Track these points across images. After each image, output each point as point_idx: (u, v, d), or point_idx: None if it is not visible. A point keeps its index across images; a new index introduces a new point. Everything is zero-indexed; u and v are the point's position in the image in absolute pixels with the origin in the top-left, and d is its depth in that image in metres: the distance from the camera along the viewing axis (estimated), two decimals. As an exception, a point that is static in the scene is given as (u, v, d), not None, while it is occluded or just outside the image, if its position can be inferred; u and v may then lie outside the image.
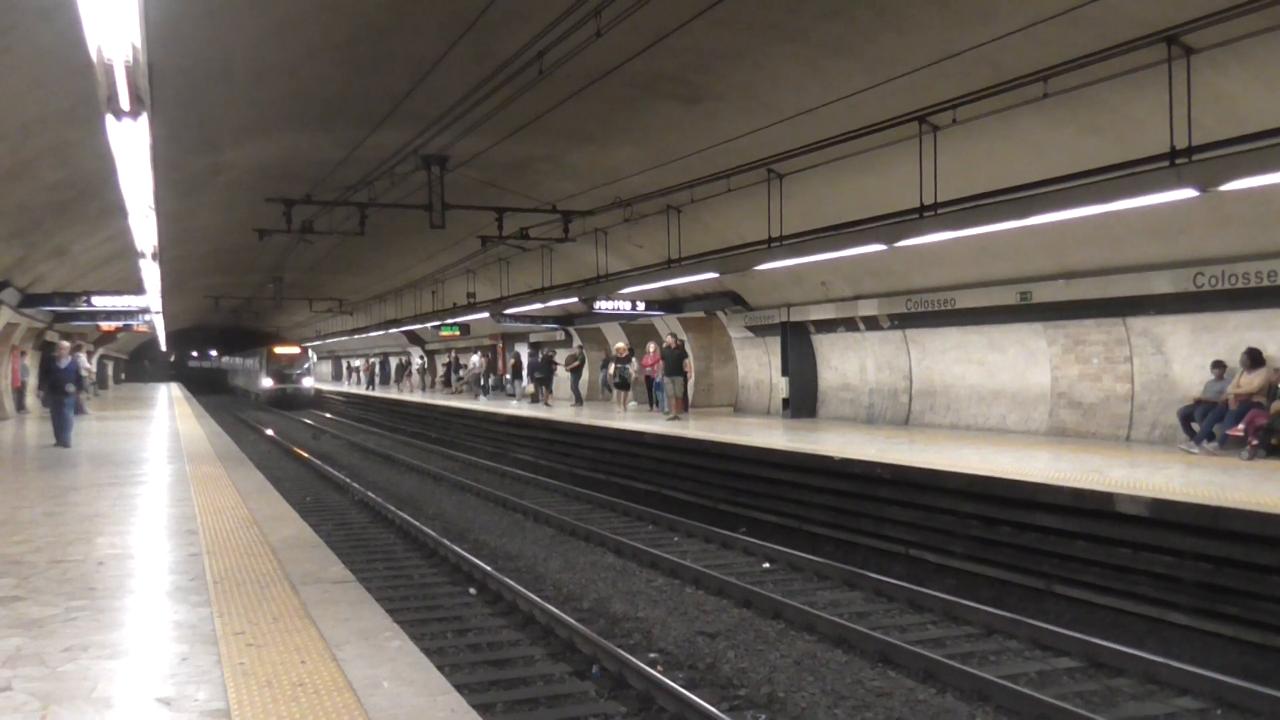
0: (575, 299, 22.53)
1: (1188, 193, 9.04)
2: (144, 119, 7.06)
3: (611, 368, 25.30)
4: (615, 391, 25.06)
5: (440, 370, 47.21)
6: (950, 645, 8.32)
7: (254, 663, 4.75)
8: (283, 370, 50.49)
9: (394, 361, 52.21)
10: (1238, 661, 7.95)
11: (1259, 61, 9.43)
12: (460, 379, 40.41)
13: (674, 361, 21.24)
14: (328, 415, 43.96)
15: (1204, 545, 8.69)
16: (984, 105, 11.03)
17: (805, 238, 14.61)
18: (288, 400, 49.19)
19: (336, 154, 16.96)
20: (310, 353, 54.90)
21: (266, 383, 49.89)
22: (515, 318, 28.81)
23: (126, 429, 21.47)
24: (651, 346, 24.36)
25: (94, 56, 5.73)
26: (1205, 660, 7.83)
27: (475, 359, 38.78)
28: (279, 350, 51.82)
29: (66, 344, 16.92)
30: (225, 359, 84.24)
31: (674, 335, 22.11)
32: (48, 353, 17.24)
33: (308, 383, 51.24)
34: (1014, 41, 9.93)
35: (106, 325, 30.30)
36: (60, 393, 16.33)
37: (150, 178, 10.35)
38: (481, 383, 36.66)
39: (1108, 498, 9.40)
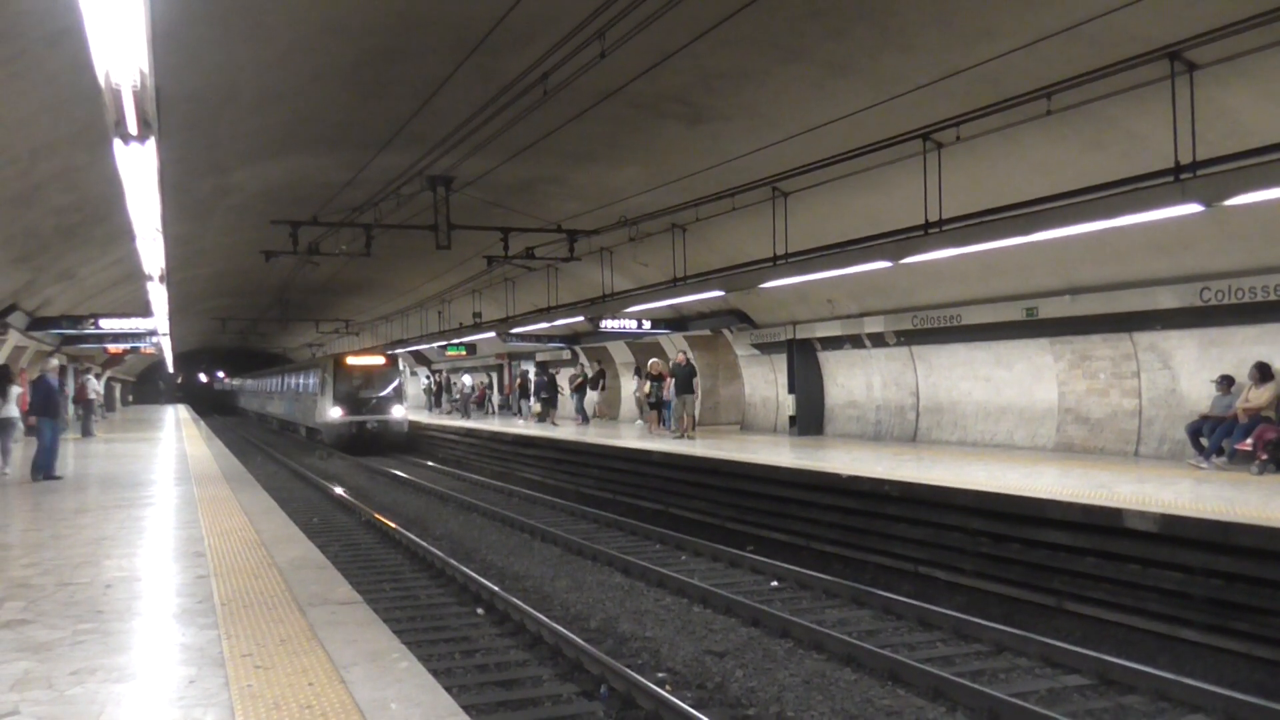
0: (581, 318, 22.55)
1: (1192, 208, 9.05)
2: (151, 143, 7.11)
3: (647, 386, 23.41)
4: (649, 411, 23.48)
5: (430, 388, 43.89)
6: (960, 663, 8.28)
7: (262, 685, 4.74)
8: (360, 393, 32.53)
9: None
10: (1250, 678, 7.89)
11: (1262, 77, 9.45)
12: (453, 400, 39.72)
13: (685, 379, 21.02)
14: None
15: (1214, 561, 8.65)
16: (987, 122, 11.06)
17: (810, 255, 14.62)
18: (369, 440, 31.66)
19: (342, 176, 17.05)
20: (402, 365, 36.21)
21: (333, 413, 31.99)
22: (521, 337, 28.84)
23: (134, 451, 21.50)
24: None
25: (102, 82, 5.77)
26: (1217, 677, 7.78)
27: (466, 379, 38.53)
28: (355, 361, 33.55)
29: (56, 362, 15.75)
30: (245, 380, 69.49)
31: (684, 353, 21.95)
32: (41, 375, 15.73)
33: (399, 413, 32.71)
34: (1017, 59, 9.97)
35: (114, 348, 30.44)
36: (54, 416, 14.87)
37: (158, 201, 10.40)
38: (474, 403, 36.54)
39: (1117, 514, 9.37)
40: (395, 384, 33.37)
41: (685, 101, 13.57)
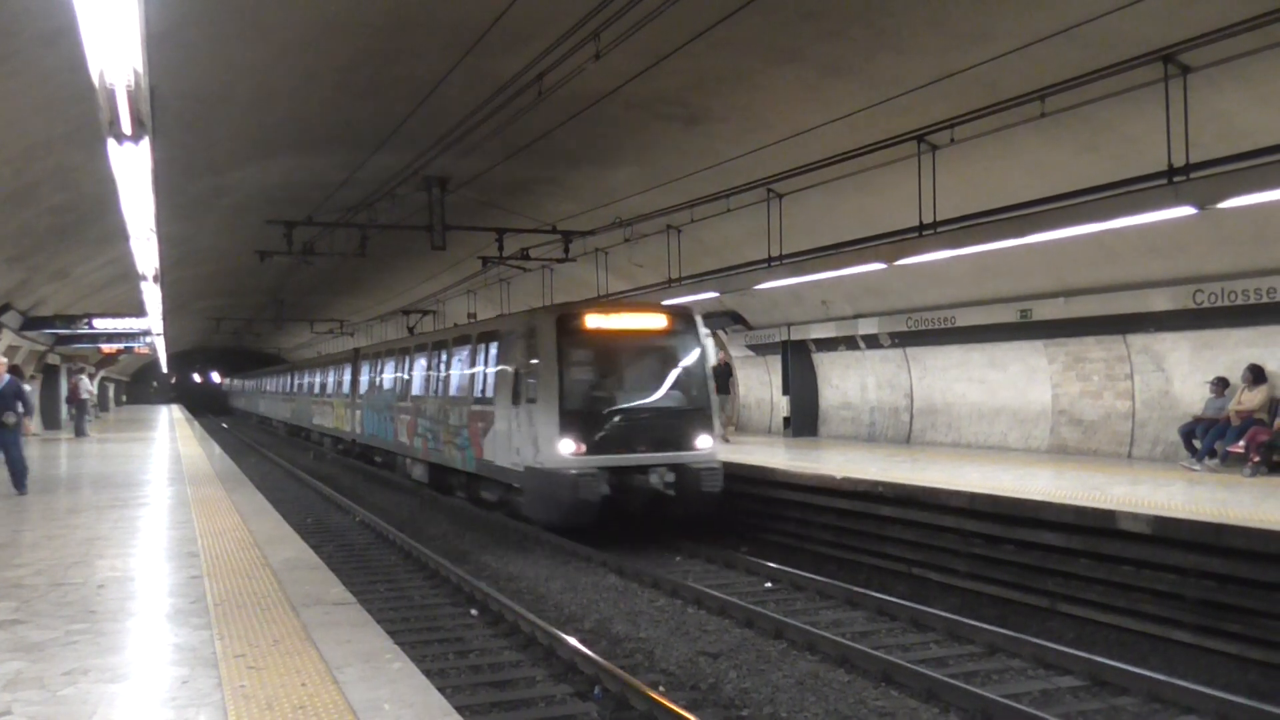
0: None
1: (1186, 210, 9.09)
2: (145, 143, 7.11)
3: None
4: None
5: None
6: (953, 664, 8.28)
7: (255, 685, 4.73)
8: (620, 398, 14.03)
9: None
10: (1242, 679, 7.91)
11: (1255, 79, 9.48)
12: None
13: (723, 379, 20.20)
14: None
15: (1207, 563, 8.66)
16: (982, 124, 11.09)
17: (805, 257, 14.65)
18: (646, 509, 13.33)
19: (338, 176, 17.04)
20: (712, 347, 18.87)
21: (558, 449, 13.20)
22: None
23: (127, 451, 21.46)
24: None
25: (96, 81, 5.78)
26: (1209, 678, 7.79)
27: None
28: (606, 321, 14.08)
29: (3, 360, 13.80)
30: (263, 379, 53.98)
31: (724, 350, 21.33)
32: None
33: (706, 446, 13.83)
34: (1011, 61, 9.99)
35: (108, 348, 30.40)
36: None
37: (152, 201, 10.41)
38: None
39: (1110, 515, 9.38)
40: (697, 372, 14.47)
41: (680, 103, 13.58)
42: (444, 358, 18.72)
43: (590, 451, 13.27)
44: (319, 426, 33.68)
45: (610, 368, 14.32)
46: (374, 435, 24.29)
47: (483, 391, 16.10)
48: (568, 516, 13.22)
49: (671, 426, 13.83)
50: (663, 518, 13.58)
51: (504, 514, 15.77)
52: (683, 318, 14.64)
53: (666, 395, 14.23)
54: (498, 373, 15.32)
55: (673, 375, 14.37)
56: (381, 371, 23.91)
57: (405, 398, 21.17)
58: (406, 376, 21.33)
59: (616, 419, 13.62)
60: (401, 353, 22.21)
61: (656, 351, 14.51)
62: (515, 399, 14.30)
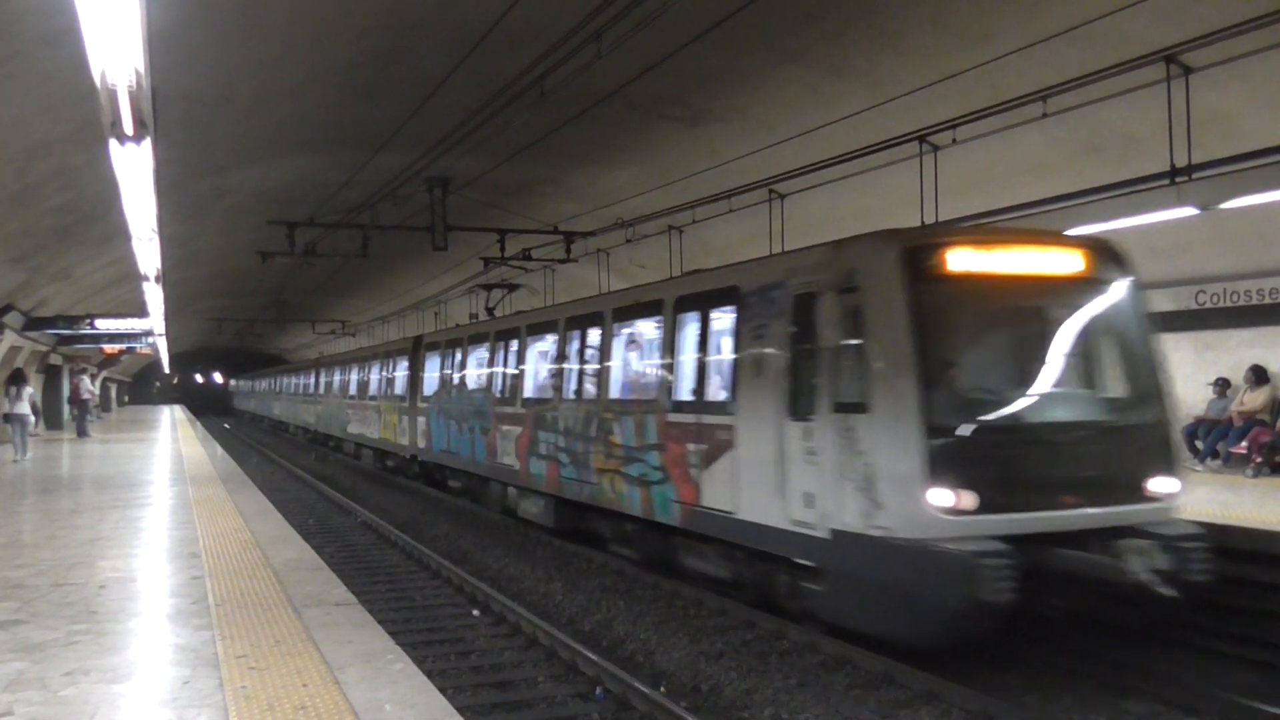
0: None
1: (1188, 211, 9.08)
2: (147, 143, 7.12)
3: None
4: None
5: None
6: (950, 665, 8.26)
7: (256, 686, 4.74)
8: (1018, 412, 7.59)
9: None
10: (1244, 681, 7.89)
11: (1257, 80, 9.48)
12: None
13: None
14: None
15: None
16: (984, 125, 11.08)
17: (807, 258, 14.61)
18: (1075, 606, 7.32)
19: (339, 177, 17.05)
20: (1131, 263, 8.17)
21: (926, 502, 6.98)
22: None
23: (129, 451, 21.47)
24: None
25: (98, 82, 5.78)
26: (1210, 680, 7.77)
27: None
28: (971, 262, 7.66)
29: None
30: (280, 379, 46.19)
31: None
32: None
33: (1170, 490, 7.75)
34: (1013, 61, 9.98)
35: (110, 348, 30.45)
36: None
37: (154, 201, 10.42)
38: None
39: (1112, 516, 9.34)
40: (1142, 353, 8.15)
41: (682, 103, 13.59)
42: (597, 340, 12.22)
43: (987, 507, 7.12)
44: (357, 436, 26.71)
45: (1008, 347, 8.43)
46: (449, 452, 18.21)
47: (696, 393, 9.95)
48: (949, 629, 7.13)
49: (1120, 457, 7.76)
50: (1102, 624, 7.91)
51: (747, 601, 9.60)
52: (1112, 257, 8.18)
53: (1107, 399, 8.25)
54: (745, 360, 9.01)
55: (1110, 360, 8.36)
56: (464, 365, 17.72)
57: (512, 401, 14.93)
58: (516, 370, 15.06)
59: (1029, 445, 7.57)
60: (502, 337, 15.77)
61: (1076, 317, 8.23)
62: (796, 407, 8.18)
